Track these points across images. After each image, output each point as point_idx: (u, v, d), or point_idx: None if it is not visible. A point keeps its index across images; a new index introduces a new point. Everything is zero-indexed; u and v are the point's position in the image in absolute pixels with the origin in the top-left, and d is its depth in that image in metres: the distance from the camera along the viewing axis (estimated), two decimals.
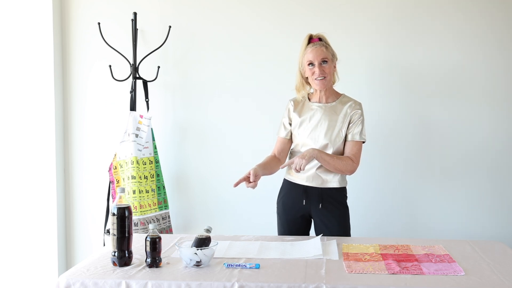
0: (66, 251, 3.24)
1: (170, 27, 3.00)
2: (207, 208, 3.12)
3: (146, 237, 1.78)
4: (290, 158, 2.43)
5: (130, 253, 1.80)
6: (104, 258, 1.88)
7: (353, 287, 1.59)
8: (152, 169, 2.95)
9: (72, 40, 3.16)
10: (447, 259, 1.85)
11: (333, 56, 2.34)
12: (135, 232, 2.70)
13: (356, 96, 2.42)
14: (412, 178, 2.99)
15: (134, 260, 1.83)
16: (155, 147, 2.99)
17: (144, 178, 2.91)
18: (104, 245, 3.00)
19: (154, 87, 3.09)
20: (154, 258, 1.78)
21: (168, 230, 2.99)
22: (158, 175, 2.98)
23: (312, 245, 2.00)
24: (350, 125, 2.33)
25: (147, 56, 3.00)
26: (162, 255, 1.83)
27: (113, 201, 2.83)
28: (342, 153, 2.34)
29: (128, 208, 1.79)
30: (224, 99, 3.08)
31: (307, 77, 2.35)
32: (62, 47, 3.17)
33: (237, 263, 1.78)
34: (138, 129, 2.93)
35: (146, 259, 1.79)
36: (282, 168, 2.34)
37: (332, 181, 2.33)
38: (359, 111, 2.34)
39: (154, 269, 1.76)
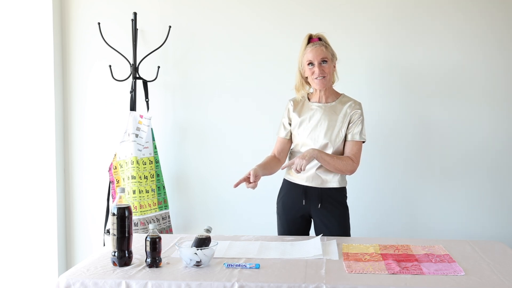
0: (66, 251, 3.24)
1: (170, 27, 3.00)
2: (207, 208, 3.13)
3: (146, 237, 1.78)
4: (290, 158, 2.43)
5: (130, 253, 1.80)
6: (104, 258, 1.88)
7: (353, 287, 1.59)
8: (152, 169, 2.95)
9: (72, 40, 3.16)
10: (447, 259, 1.85)
11: (333, 56, 2.34)
12: (135, 232, 2.70)
13: (356, 96, 2.42)
14: (412, 178, 2.99)
15: (134, 260, 1.83)
16: (155, 147, 2.99)
17: (144, 178, 2.91)
18: (104, 245, 3.00)
19: (154, 87, 3.09)
20: (154, 258, 1.78)
21: (168, 230, 2.99)
22: (158, 175, 2.99)
23: (312, 245, 2.00)
24: (350, 125, 2.33)
25: (147, 56, 3.00)
26: (162, 255, 1.83)
27: (113, 201, 2.83)
28: (342, 153, 2.34)
29: (128, 208, 1.79)
30: (224, 99, 3.08)
31: (306, 77, 2.35)
32: (62, 47, 3.17)
33: (237, 263, 1.78)
34: (138, 129, 2.93)
35: (146, 259, 1.79)
36: (283, 169, 2.34)
37: (332, 181, 2.33)
38: (359, 111, 2.34)
39: (154, 269, 1.76)
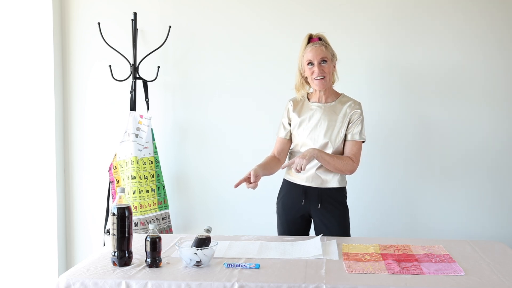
0: (66, 251, 3.24)
1: (170, 27, 3.00)
2: (207, 208, 3.13)
3: (146, 237, 1.78)
4: (290, 158, 2.43)
5: (130, 253, 1.80)
6: (104, 258, 1.88)
7: (353, 287, 1.59)
8: (152, 169, 2.95)
9: (72, 40, 3.16)
10: (447, 259, 1.85)
11: (333, 56, 2.34)
12: (135, 232, 2.70)
13: (356, 96, 2.42)
14: (412, 178, 2.99)
15: (134, 260, 1.83)
16: (155, 147, 2.99)
17: (144, 178, 2.91)
18: (104, 245, 3.00)
19: (154, 87, 3.09)
20: (154, 258, 1.78)
21: (168, 230, 2.99)
22: (158, 175, 2.99)
23: (312, 245, 2.00)
24: (350, 125, 2.33)
25: (147, 56, 3.00)
26: (162, 255, 1.83)
27: (113, 201, 2.83)
28: (342, 153, 2.34)
29: (128, 208, 1.79)
30: (224, 99, 3.08)
31: (306, 77, 2.35)
32: (62, 47, 3.17)
33: (237, 263, 1.78)
34: (138, 129, 2.93)
35: (146, 259, 1.79)
36: (283, 168, 2.35)
37: (331, 181, 2.33)
38: (359, 110, 2.34)
39: (154, 269, 1.76)
